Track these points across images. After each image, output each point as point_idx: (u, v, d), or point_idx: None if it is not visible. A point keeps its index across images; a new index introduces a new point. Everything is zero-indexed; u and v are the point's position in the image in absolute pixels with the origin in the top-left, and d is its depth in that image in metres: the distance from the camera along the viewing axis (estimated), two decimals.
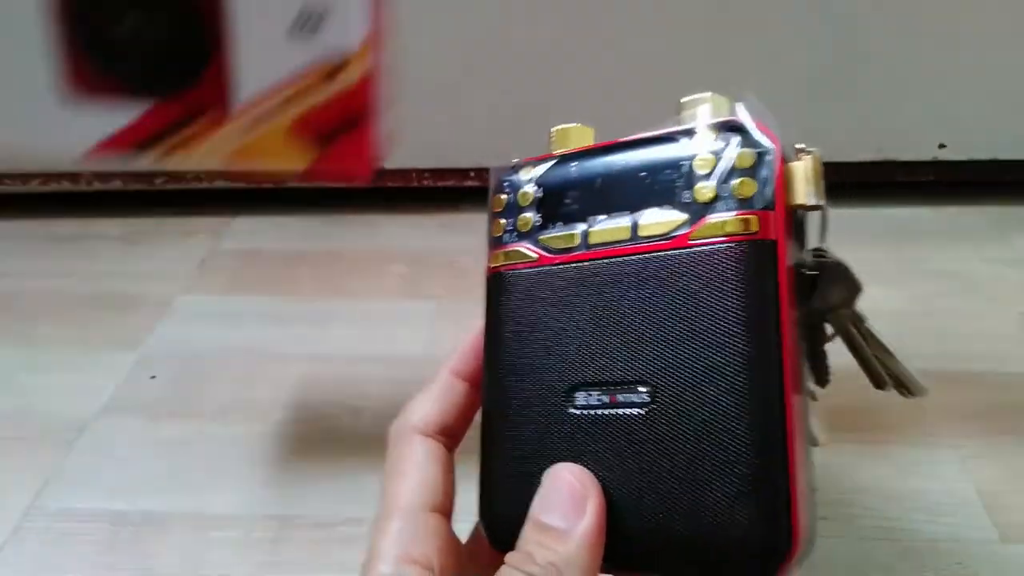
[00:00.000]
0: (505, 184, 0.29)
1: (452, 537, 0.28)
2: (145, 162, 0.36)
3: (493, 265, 0.29)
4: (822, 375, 0.29)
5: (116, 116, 0.36)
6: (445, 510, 0.28)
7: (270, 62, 0.35)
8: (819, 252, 0.27)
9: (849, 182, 0.68)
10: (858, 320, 0.29)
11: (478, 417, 0.30)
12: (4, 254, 0.67)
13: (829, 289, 0.27)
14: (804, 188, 0.25)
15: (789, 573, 0.23)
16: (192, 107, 0.36)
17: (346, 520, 0.43)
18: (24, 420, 0.51)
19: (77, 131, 0.35)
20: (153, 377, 0.54)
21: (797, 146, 0.25)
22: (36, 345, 0.57)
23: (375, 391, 0.52)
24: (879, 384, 0.30)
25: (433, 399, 0.30)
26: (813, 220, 0.26)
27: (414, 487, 0.28)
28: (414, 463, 0.28)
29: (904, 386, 0.30)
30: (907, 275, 0.61)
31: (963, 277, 0.61)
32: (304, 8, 0.35)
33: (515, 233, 0.28)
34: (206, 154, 0.36)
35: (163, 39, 0.35)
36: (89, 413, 0.51)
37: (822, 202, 0.25)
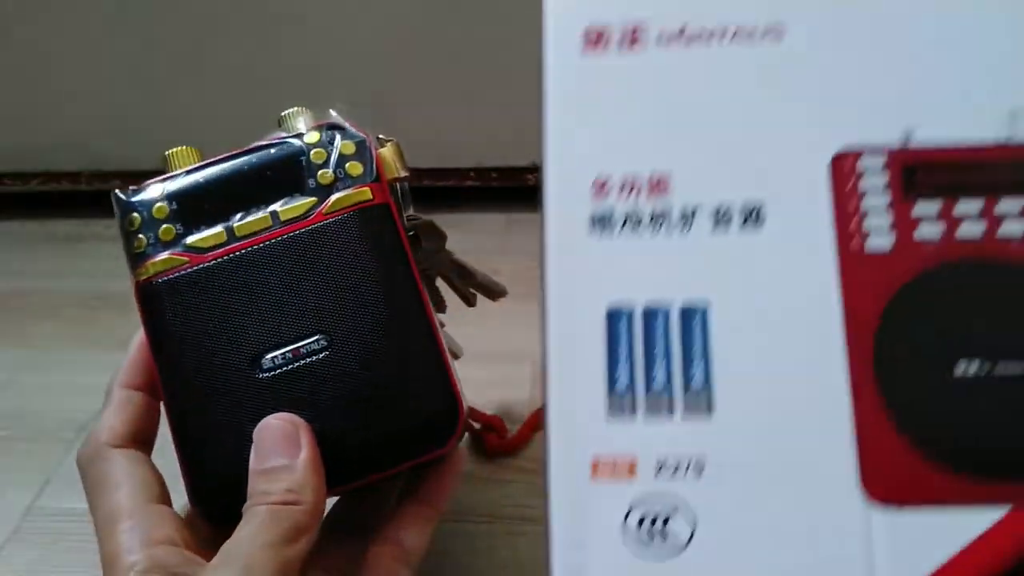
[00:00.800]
0: (134, 204, 0.31)
1: (182, 519, 0.29)
2: None
3: (143, 278, 0.30)
4: (439, 303, 0.39)
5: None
6: (166, 501, 0.29)
7: None
8: (412, 216, 0.34)
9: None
10: (449, 256, 0.38)
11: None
12: (3, 254, 0.66)
13: (426, 240, 0.35)
14: (394, 164, 0.32)
15: (462, 427, 0.30)
16: None
17: None
18: (24, 420, 0.50)
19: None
20: None
21: (380, 136, 0.33)
22: (35, 345, 0.56)
23: None
24: (469, 302, 0.41)
25: (115, 415, 0.30)
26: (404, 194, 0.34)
27: (131, 491, 0.28)
28: (122, 472, 0.29)
29: (489, 292, 0.41)
30: None
31: None
32: None
33: (159, 244, 0.30)
34: None
35: None
36: (89, 413, 0.47)
37: (407, 173, 0.33)
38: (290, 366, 0.29)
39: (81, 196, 0.70)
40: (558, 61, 0.27)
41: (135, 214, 0.31)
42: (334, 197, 0.30)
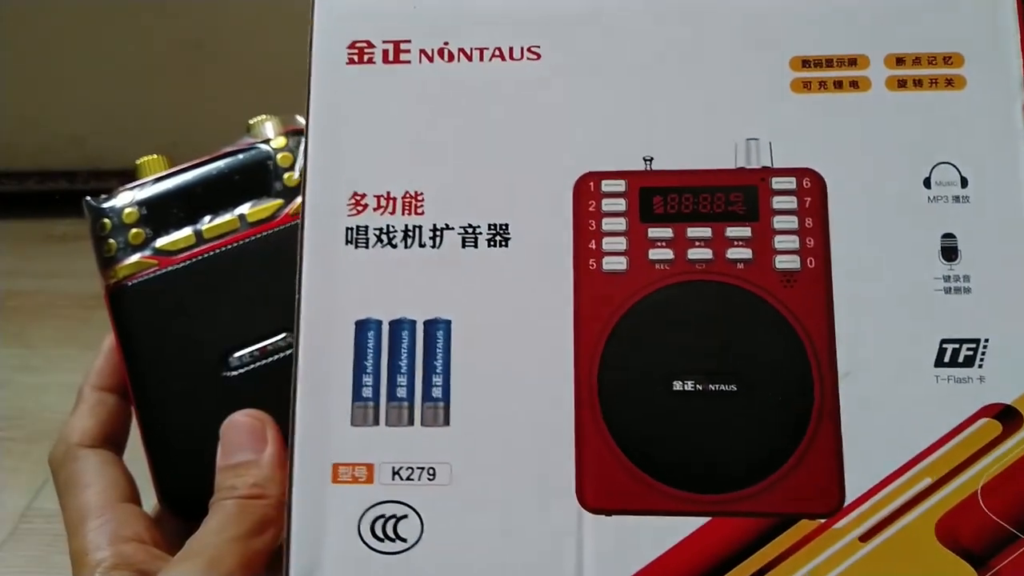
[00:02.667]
0: (105, 210, 0.32)
1: (151, 518, 0.29)
2: None
3: (114, 281, 0.31)
4: None
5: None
6: (136, 501, 0.30)
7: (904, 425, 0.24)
8: None
9: None
10: None
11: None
12: (0, 253, 0.63)
13: None
14: None
15: None
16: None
17: None
18: (21, 421, 0.49)
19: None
20: None
21: None
22: (33, 346, 0.55)
23: None
24: None
25: (86, 416, 0.31)
26: None
27: (100, 491, 0.29)
28: (92, 472, 0.29)
29: None
30: None
31: None
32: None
33: (129, 248, 0.31)
34: None
35: None
36: None
37: None
38: (257, 363, 0.30)
39: (78, 195, 0.69)
40: (322, 73, 0.27)
41: (106, 219, 0.32)
42: (300, 198, 0.30)
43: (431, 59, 0.27)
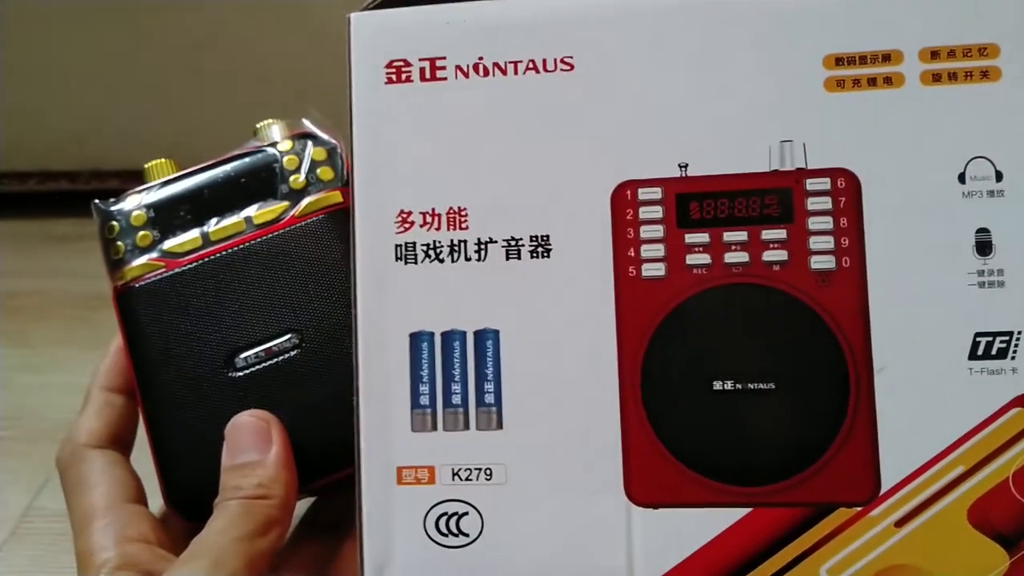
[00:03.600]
0: (113, 213, 0.32)
1: (157, 518, 0.30)
2: None
3: (121, 283, 0.31)
4: None
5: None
6: (142, 502, 0.30)
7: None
8: None
9: None
10: None
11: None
12: (1, 254, 0.65)
13: None
14: None
15: None
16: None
17: None
18: (22, 420, 0.50)
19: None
20: None
21: None
22: (33, 345, 0.57)
23: None
24: None
25: (94, 417, 0.31)
26: None
27: (107, 491, 0.29)
28: (99, 472, 0.29)
29: None
30: None
31: None
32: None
33: (136, 251, 0.31)
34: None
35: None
36: None
37: None
38: (263, 364, 0.30)
39: (79, 196, 0.67)
40: (362, 93, 0.28)
41: (114, 222, 0.32)
42: (306, 201, 0.31)
43: (467, 75, 0.27)
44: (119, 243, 0.32)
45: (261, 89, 0.60)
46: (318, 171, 0.32)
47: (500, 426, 0.27)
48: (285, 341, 0.30)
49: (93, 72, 0.62)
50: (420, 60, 0.28)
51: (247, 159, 0.33)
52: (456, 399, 0.27)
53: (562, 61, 0.27)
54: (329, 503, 0.33)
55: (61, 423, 0.47)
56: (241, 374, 0.30)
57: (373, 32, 0.28)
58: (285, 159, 0.32)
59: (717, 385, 0.26)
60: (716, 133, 0.27)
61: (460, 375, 0.27)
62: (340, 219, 0.31)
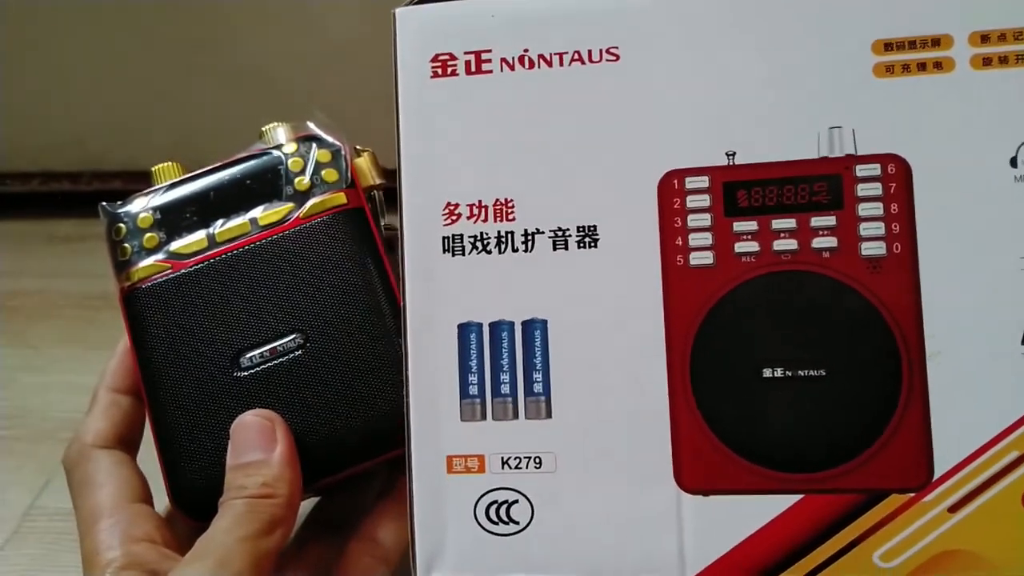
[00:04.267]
0: (120, 215, 0.33)
1: (162, 518, 0.30)
2: None
3: (128, 284, 0.32)
4: None
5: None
6: (148, 501, 0.30)
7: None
8: (388, 225, 0.36)
9: None
10: None
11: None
12: (3, 253, 0.65)
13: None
14: (369, 173, 0.33)
15: None
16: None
17: None
18: (24, 420, 0.50)
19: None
20: None
21: (357, 147, 0.34)
22: (35, 345, 0.56)
23: None
24: None
25: (101, 417, 0.31)
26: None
27: (113, 491, 0.29)
28: (105, 473, 0.30)
29: None
30: None
31: None
32: None
33: (143, 252, 0.32)
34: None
35: None
36: None
37: (382, 182, 0.34)
38: (267, 364, 0.30)
39: (81, 196, 0.68)
40: (408, 87, 0.28)
41: (121, 224, 0.32)
42: (310, 202, 0.31)
43: (512, 67, 0.28)
44: (126, 244, 0.32)
45: (262, 90, 0.60)
46: (323, 173, 0.32)
47: (549, 415, 0.27)
48: (290, 341, 0.30)
49: (95, 73, 0.61)
50: (465, 53, 0.28)
51: (252, 161, 0.33)
52: (505, 388, 0.28)
53: (607, 52, 0.27)
54: (333, 503, 0.33)
55: (62, 423, 0.50)
56: (246, 374, 0.30)
57: (418, 26, 0.28)
58: (290, 161, 0.32)
59: (767, 372, 0.26)
60: (764, 121, 0.27)
61: (508, 365, 0.28)
62: (344, 220, 0.31)
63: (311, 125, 0.34)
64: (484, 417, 0.28)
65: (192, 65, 0.61)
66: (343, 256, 0.31)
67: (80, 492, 0.30)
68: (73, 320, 0.59)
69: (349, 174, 0.32)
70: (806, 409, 0.26)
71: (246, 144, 0.35)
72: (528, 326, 0.27)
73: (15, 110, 0.63)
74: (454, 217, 0.28)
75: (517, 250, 0.28)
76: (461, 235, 0.28)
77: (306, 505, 0.33)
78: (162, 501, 0.31)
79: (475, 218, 0.28)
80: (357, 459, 0.30)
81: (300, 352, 0.30)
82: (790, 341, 0.26)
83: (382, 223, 0.35)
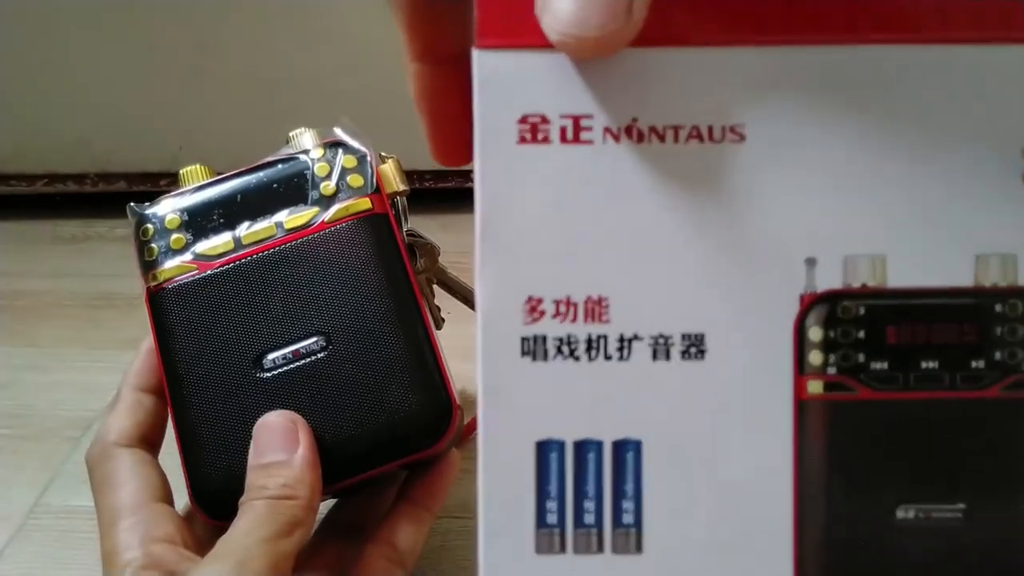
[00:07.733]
0: (148, 216, 0.33)
1: (182, 518, 0.30)
2: None
3: (154, 284, 0.32)
4: (436, 316, 0.40)
5: None
6: (169, 501, 0.30)
7: None
8: (410, 231, 0.37)
9: None
10: (443, 271, 0.41)
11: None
12: (7, 254, 0.66)
13: (423, 254, 0.38)
14: (394, 179, 0.34)
15: (455, 427, 0.31)
16: None
17: None
18: (28, 419, 0.51)
19: None
20: None
21: (382, 154, 0.35)
22: (39, 345, 0.57)
23: None
24: (472, 306, 0.41)
25: (124, 415, 0.31)
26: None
27: (134, 490, 0.29)
28: (127, 471, 0.29)
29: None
30: None
31: None
32: None
33: (170, 253, 0.32)
34: None
35: None
36: (93, 412, 0.50)
37: (406, 188, 0.35)
38: (290, 366, 0.30)
39: (87, 197, 0.69)
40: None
41: (148, 225, 0.33)
42: (336, 207, 0.32)
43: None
44: (153, 245, 0.32)
45: (265, 92, 0.60)
46: (348, 178, 0.32)
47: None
48: (313, 343, 0.30)
49: (100, 75, 0.62)
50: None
51: (279, 166, 0.33)
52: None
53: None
54: (350, 505, 0.33)
55: (67, 421, 0.51)
56: (269, 375, 0.30)
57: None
58: (316, 166, 0.33)
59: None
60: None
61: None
62: (369, 225, 0.32)
63: (337, 131, 0.34)
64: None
65: (198, 68, 0.60)
66: (367, 261, 0.31)
67: (101, 490, 0.30)
68: (78, 320, 0.59)
69: (375, 180, 0.33)
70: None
71: (251, 147, 0.35)
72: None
73: (21, 111, 0.63)
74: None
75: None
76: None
77: (323, 506, 0.32)
78: (181, 500, 0.31)
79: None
80: (377, 462, 0.30)
81: (323, 355, 0.30)
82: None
83: (405, 229, 0.36)
